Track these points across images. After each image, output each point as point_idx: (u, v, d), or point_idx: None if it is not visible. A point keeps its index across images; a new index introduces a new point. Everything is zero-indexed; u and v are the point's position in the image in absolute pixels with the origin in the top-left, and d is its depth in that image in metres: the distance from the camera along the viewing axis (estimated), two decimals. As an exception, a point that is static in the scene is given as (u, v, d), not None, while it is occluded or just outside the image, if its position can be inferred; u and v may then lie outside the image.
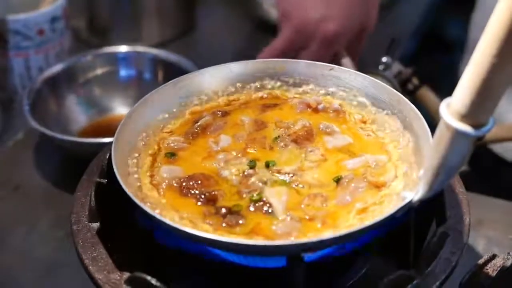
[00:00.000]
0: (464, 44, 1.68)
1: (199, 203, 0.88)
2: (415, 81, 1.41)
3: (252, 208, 0.87)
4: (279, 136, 0.98)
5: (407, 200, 0.81)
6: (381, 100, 1.01)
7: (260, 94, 1.07)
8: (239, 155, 0.95)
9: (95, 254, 0.86)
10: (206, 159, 0.95)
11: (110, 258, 0.86)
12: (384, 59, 1.38)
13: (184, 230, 0.80)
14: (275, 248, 0.80)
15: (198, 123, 1.01)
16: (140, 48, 1.49)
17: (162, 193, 0.90)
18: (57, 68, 1.43)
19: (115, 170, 0.86)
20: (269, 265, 0.87)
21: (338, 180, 0.90)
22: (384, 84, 1.01)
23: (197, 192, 0.89)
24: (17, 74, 1.47)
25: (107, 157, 0.95)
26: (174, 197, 0.89)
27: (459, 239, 0.86)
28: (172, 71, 1.37)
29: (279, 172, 0.92)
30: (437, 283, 0.81)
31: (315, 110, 1.04)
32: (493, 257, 0.87)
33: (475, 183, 1.11)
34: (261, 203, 0.87)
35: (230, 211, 0.86)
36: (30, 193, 1.30)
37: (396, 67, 1.39)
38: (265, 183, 0.90)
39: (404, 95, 0.98)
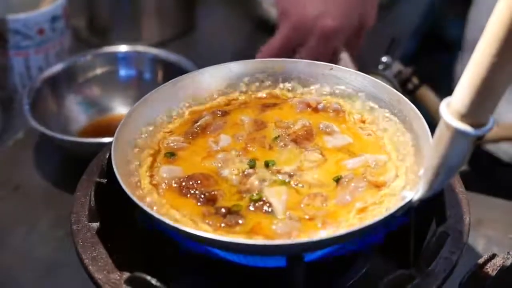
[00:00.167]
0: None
1: (199, 203, 0.88)
2: (415, 80, 1.41)
3: (251, 208, 0.87)
4: (278, 136, 0.98)
5: (407, 200, 0.81)
6: (381, 100, 1.01)
7: (260, 94, 1.07)
8: (239, 154, 0.95)
9: (95, 254, 0.86)
10: (206, 158, 0.95)
11: (110, 258, 0.86)
12: (384, 59, 1.38)
13: (184, 230, 0.80)
14: (275, 247, 0.80)
15: (198, 123, 1.01)
16: (140, 48, 1.49)
17: (161, 193, 0.90)
18: (57, 67, 1.43)
19: (115, 170, 0.86)
20: (269, 265, 0.87)
21: (338, 180, 0.90)
22: (384, 84, 1.01)
23: (196, 192, 0.89)
24: (17, 74, 1.47)
25: (107, 157, 0.95)
26: (174, 197, 0.89)
27: (459, 238, 0.86)
28: (172, 71, 1.37)
29: (278, 171, 0.92)
30: (437, 283, 0.81)
31: (315, 110, 1.04)
32: (493, 256, 0.87)
33: (475, 182, 1.11)
34: (261, 202, 0.87)
35: (229, 211, 0.86)
36: (30, 193, 1.30)
37: (396, 66, 1.40)
38: (264, 182, 0.90)
39: (404, 95, 0.98)
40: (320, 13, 1.32)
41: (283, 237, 0.82)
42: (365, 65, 1.38)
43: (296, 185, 0.90)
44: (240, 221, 0.85)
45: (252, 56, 1.13)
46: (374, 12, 1.41)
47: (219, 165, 0.94)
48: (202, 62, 1.21)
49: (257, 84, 1.08)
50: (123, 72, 1.48)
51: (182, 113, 1.04)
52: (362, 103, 1.03)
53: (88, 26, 1.72)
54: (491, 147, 1.53)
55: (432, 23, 2.03)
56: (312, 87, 1.06)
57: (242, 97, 1.07)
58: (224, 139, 0.98)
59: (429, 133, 0.88)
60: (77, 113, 1.43)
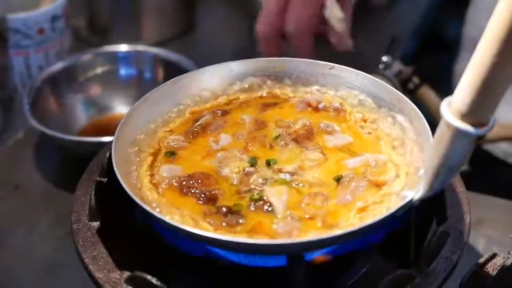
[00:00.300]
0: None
1: (199, 202, 0.88)
2: (415, 80, 1.41)
3: (252, 207, 0.87)
4: (279, 135, 0.98)
5: (407, 199, 0.81)
6: (381, 99, 1.01)
7: (260, 93, 1.07)
8: (239, 153, 0.95)
9: (95, 253, 0.86)
10: (206, 158, 0.95)
11: (110, 257, 0.85)
12: (384, 58, 1.38)
13: (184, 229, 0.80)
14: (276, 247, 0.80)
15: (198, 122, 1.01)
16: (140, 47, 1.50)
17: (162, 192, 0.90)
18: (57, 67, 1.43)
19: (115, 169, 0.86)
20: (270, 264, 0.87)
21: (338, 179, 0.90)
22: (385, 83, 1.01)
23: (197, 191, 0.89)
24: (17, 73, 1.47)
25: (107, 156, 0.95)
26: (174, 196, 0.89)
27: (460, 238, 0.86)
28: (173, 70, 1.37)
29: (280, 171, 0.92)
30: (438, 283, 0.81)
31: (316, 109, 1.04)
32: (494, 256, 0.87)
33: (476, 182, 1.11)
34: (261, 202, 0.87)
35: (230, 211, 0.86)
36: (30, 193, 1.30)
37: (397, 66, 1.40)
38: (265, 181, 0.90)
39: (404, 94, 0.98)
40: None
41: (284, 237, 0.82)
42: (365, 64, 1.38)
43: (297, 184, 0.90)
44: (241, 221, 0.85)
45: (252, 56, 1.12)
46: None
47: (219, 164, 0.94)
48: (202, 61, 1.21)
49: (258, 83, 1.08)
50: (123, 71, 1.48)
51: (182, 113, 1.04)
52: (363, 102, 1.03)
53: (88, 25, 1.72)
54: (491, 147, 1.53)
55: (432, 23, 2.03)
56: (312, 87, 1.06)
57: (243, 96, 1.07)
58: (224, 138, 0.98)
59: (430, 132, 0.88)
60: (77, 112, 1.43)
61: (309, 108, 1.04)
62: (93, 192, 0.93)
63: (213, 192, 0.88)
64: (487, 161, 1.52)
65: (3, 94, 1.49)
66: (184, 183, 0.90)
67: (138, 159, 0.95)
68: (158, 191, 0.90)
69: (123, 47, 1.49)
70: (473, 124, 0.69)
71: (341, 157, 0.95)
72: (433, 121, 0.86)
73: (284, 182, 0.90)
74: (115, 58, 1.48)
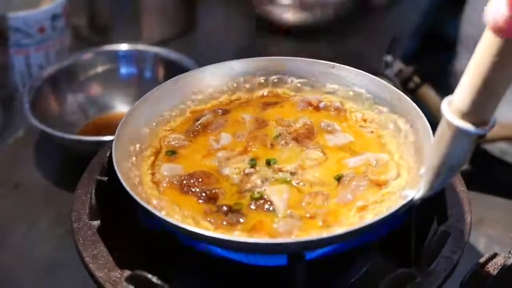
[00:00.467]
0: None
1: (200, 201, 0.88)
2: (416, 79, 1.41)
3: (253, 206, 0.87)
4: (280, 134, 0.98)
5: (408, 199, 0.81)
6: (382, 98, 1.01)
7: (261, 92, 1.07)
8: (240, 153, 0.95)
9: (95, 252, 0.86)
10: (207, 157, 0.95)
11: (110, 256, 0.86)
12: (385, 58, 1.38)
13: (185, 228, 0.80)
14: (276, 246, 0.79)
15: (199, 121, 1.01)
16: (140, 47, 1.50)
17: (162, 191, 0.89)
18: (57, 66, 1.43)
19: (115, 167, 0.86)
20: (270, 263, 0.87)
21: (339, 178, 0.90)
22: (385, 82, 1.01)
23: (197, 190, 0.89)
24: (17, 72, 1.47)
25: (108, 155, 0.95)
26: (175, 194, 0.89)
27: (460, 237, 0.86)
28: (173, 70, 1.37)
29: (280, 170, 0.92)
30: (438, 282, 0.81)
31: (316, 108, 1.04)
32: (494, 255, 0.87)
33: (476, 182, 1.11)
34: (262, 201, 0.87)
35: (231, 209, 0.86)
36: (30, 191, 1.30)
37: (397, 65, 1.40)
38: (266, 180, 0.90)
39: (405, 94, 0.98)
40: None
41: (284, 236, 0.82)
42: (366, 64, 1.38)
43: (298, 183, 0.90)
44: (241, 220, 0.85)
45: (252, 55, 1.13)
46: None
47: (220, 163, 0.94)
48: (203, 61, 1.21)
49: (259, 82, 1.07)
50: (123, 70, 1.48)
51: (183, 112, 1.04)
52: (364, 101, 1.03)
53: (89, 24, 1.72)
54: (491, 147, 1.53)
55: (433, 23, 2.03)
56: (313, 86, 1.06)
57: (244, 96, 1.07)
58: (225, 138, 0.98)
59: (431, 131, 0.88)
60: (77, 111, 1.43)
61: (309, 107, 1.04)
62: (93, 191, 0.93)
63: (214, 191, 0.88)
64: (484, 159, 1.52)
65: (4, 93, 1.49)
66: (184, 182, 0.90)
67: (139, 157, 0.94)
68: (159, 189, 0.90)
69: (124, 46, 1.49)
70: (473, 123, 0.69)
71: (342, 156, 0.95)
72: (434, 120, 0.86)
73: (284, 181, 0.90)
74: (116, 57, 1.48)
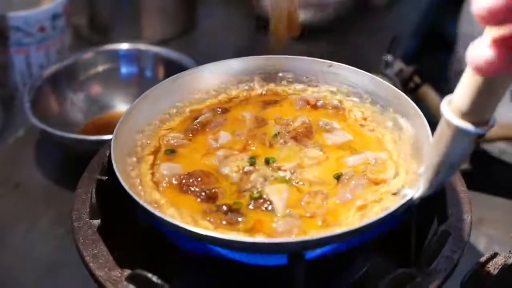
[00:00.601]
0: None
1: (199, 200, 0.88)
2: (416, 79, 1.41)
3: (252, 206, 0.87)
4: (278, 133, 0.98)
5: (407, 198, 0.81)
6: (380, 97, 1.01)
7: (259, 91, 1.07)
8: (239, 151, 0.95)
9: (96, 251, 0.86)
10: (206, 156, 0.95)
11: (111, 255, 0.86)
12: (385, 58, 1.38)
13: (184, 228, 0.80)
14: (276, 245, 0.80)
15: (198, 120, 1.01)
16: (141, 46, 1.50)
17: (162, 190, 0.89)
18: (58, 65, 1.43)
19: (114, 167, 0.86)
20: (270, 263, 0.87)
21: (338, 177, 0.90)
22: (384, 81, 1.02)
23: (197, 189, 0.89)
24: (17, 71, 1.47)
25: (108, 154, 0.95)
26: (174, 194, 0.89)
27: (461, 237, 0.86)
28: (173, 69, 1.36)
29: (279, 169, 0.92)
30: (438, 282, 0.81)
31: (314, 107, 1.04)
32: (494, 255, 0.87)
33: (476, 181, 1.11)
34: (261, 200, 0.87)
35: (230, 209, 0.86)
36: (30, 191, 1.30)
37: (398, 65, 1.40)
38: (265, 180, 0.90)
39: (405, 94, 0.98)
40: None
41: (284, 235, 0.82)
42: (366, 63, 1.38)
43: (297, 183, 0.90)
44: (241, 219, 0.85)
45: (252, 55, 1.13)
46: None
47: (219, 162, 0.94)
48: (203, 60, 1.20)
49: (257, 81, 1.08)
50: (124, 70, 1.48)
51: (182, 110, 1.04)
52: (362, 100, 1.03)
53: (89, 24, 1.72)
54: (490, 147, 1.53)
55: (433, 22, 2.03)
56: (311, 84, 1.07)
57: (243, 94, 1.07)
58: (224, 136, 0.98)
59: (429, 131, 0.88)
60: (78, 110, 1.43)
61: (308, 106, 1.04)
62: (93, 190, 0.93)
63: (213, 190, 0.88)
64: (483, 159, 1.52)
65: (4, 92, 1.49)
66: (184, 181, 0.90)
67: (138, 157, 0.94)
68: (159, 189, 0.90)
69: (124, 46, 1.49)
70: (473, 123, 0.69)
71: (341, 155, 0.95)
72: (434, 120, 0.86)
73: (284, 180, 0.90)
74: (116, 57, 1.48)
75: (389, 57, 1.37)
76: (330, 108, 1.03)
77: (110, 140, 0.93)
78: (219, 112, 1.03)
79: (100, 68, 1.47)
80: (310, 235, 0.82)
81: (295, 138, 0.97)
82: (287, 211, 0.86)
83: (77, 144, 1.28)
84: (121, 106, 1.45)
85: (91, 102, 1.45)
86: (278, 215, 0.86)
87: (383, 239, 0.90)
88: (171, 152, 0.96)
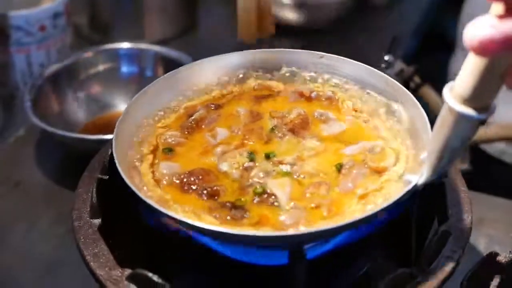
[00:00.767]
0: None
1: (199, 198, 0.87)
2: (417, 79, 1.41)
3: (256, 201, 0.87)
4: (275, 127, 0.99)
5: (412, 184, 0.81)
6: (373, 86, 1.01)
7: (252, 84, 1.07)
8: (237, 147, 0.95)
9: (96, 251, 0.86)
10: (204, 153, 0.95)
11: (111, 255, 0.86)
12: (386, 57, 1.38)
13: (190, 223, 0.79)
14: (283, 238, 0.80)
15: (193, 117, 1.01)
16: (141, 45, 1.50)
17: (163, 188, 0.89)
18: (58, 64, 1.43)
19: (118, 167, 0.86)
20: (271, 263, 0.87)
21: (339, 168, 0.91)
22: (376, 70, 1.02)
23: (198, 188, 0.89)
24: (18, 70, 1.47)
25: (109, 153, 0.95)
26: (176, 193, 0.89)
27: (461, 237, 0.86)
28: (173, 68, 1.36)
29: (280, 162, 0.92)
30: (439, 282, 0.81)
31: (308, 99, 1.04)
32: (494, 255, 0.87)
33: (477, 181, 1.11)
34: (265, 195, 0.87)
35: (234, 206, 0.86)
36: (30, 190, 1.30)
37: (398, 65, 1.40)
38: (267, 174, 0.90)
39: None
40: None
41: (291, 227, 0.82)
42: (367, 63, 1.38)
43: (298, 176, 0.90)
44: (246, 215, 0.85)
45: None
46: None
47: (218, 159, 0.93)
48: (204, 59, 1.21)
49: (249, 75, 1.08)
50: (124, 69, 1.48)
51: (176, 108, 1.03)
52: (355, 89, 1.03)
53: (90, 23, 1.72)
54: (490, 147, 1.53)
55: (433, 22, 2.03)
56: (304, 76, 1.07)
57: (236, 89, 1.07)
58: (221, 133, 0.98)
59: (426, 117, 0.90)
60: (78, 110, 1.43)
61: (301, 98, 1.04)
62: (94, 189, 0.93)
63: (215, 188, 0.88)
64: (482, 160, 1.52)
65: (5, 91, 1.49)
66: (185, 180, 0.90)
67: (139, 155, 0.94)
68: (160, 187, 0.89)
69: (125, 45, 1.49)
70: (475, 109, 0.70)
71: (338, 145, 0.95)
72: (435, 119, 0.86)
73: (285, 174, 0.91)
74: (117, 56, 1.48)
75: (389, 57, 1.37)
76: (324, 99, 1.04)
77: (110, 139, 0.93)
78: (212, 108, 1.03)
79: (101, 68, 1.47)
80: (317, 226, 0.82)
81: (292, 131, 0.98)
82: (292, 203, 0.86)
83: (78, 144, 1.28)
84: (121, 106, 1.45)
85: (91, 101, 1.45)
86: (283, 208, 0.86)
87: (383, 240, 0.90)
88: (169, 150, 0.96)
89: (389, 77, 1.00)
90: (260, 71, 1.08)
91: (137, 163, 0.93)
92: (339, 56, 1.05)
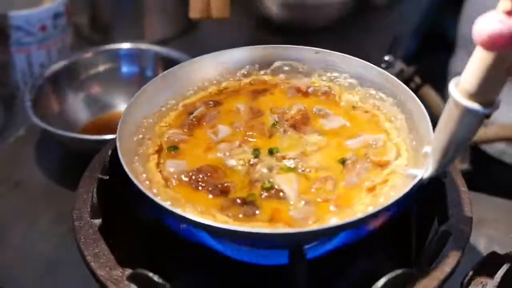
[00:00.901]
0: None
1: (211, 195, 0.87)
2: (417, 80, 1.41)
3: (264, 196, 0.87)
4: (277, 122, 0.99)
5: (418, 179, 0.82)
6: (369, 80, 1.02)
7: (248, 80, 1.07)
8: (240, 144, 0.95)
9: (97, 251, 0.86)
10: (209, 150, 0.95)
11: (112, 255, 0.86)
12: (386, 58, 1.38)
13: (205, 223, 0.79)
14: (304, 234, 0.80)
15: (194, 114, 1.01)
16: (142, 46, 1.50)
17: (173, 188, 0.89)
18: (59, 64, 1.43)
19: (125, 169, 0.85)
20: (271, 263, 0.87)
21: (343, 162, 0.91)
22: (372, 65, 1.02)
23: (208, 185, 0.88)
24: (19, 70, 1.47)
25: (109, 153, 0.95)
26: (187, 191, 0.88)
27: (461, 237, 0.86)
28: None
29: (283, 158, 0.93)
30: (439, 282, 0.81)
31: (305, 94, 1.05)
32: (493, 255, 0.87)
33: (477, 182, 1.11)
34: (274, 191, 0.87)
35: (245, 202, 0.86)
36: (30, 190, 1.30)
37: (399, 65, 1.40)
38: (272, 170, 0.90)
39: None
40: None
41: (302, 223, 0.83)
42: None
43: (303, 170, 0.91)
44: (257, 212, 0.85)
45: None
46: None
47: (225, 155, 0.93)
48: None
49: (245, 71, 1.08)
50: (125, 69, 1.48)
51: (175, 106, 1.03)
52: (351, 84, 1.03)
53: (90, 23, 1.72)
54: (490, 147, 1.53)
55: (433, 22, 2.03)
56: (300, 71, 1.07)
57: (232, 85, 1.06)
58: (223, 130, 0.98)
59: (425, 111, 0.91)
60: (78, 110, 1.43)
61: (299, 93, 1.05)
62: (95, 189, 0.93)
63: (225, 185, 0.88)
64: (483, 160, 1.52)
65: (5, 91, 1.49)
66: (193, 177, 0.89)
67: (142, 156, 0.94)
68: (169, 187, 0.89)
69: (125, 45, 1.49)
70: (480, 104, 0.72)
71: (340, 139, 0.96)
72: (435, 120, 0.86)
73: (290, 169, 0.91)
74: (117, 56, 1.48)
75: (389, 58, 1.37)
76: (321, 94, 1.04)
77: (111, 139, 0.93)
78: (211, 105, 1.03)
79: (101, 68, 1.47)
80: (327, 220, 0.82)
81: (293, 126, 0.98)
82: (300, 198, 0.86)
83: (78, 144, 1.28)
84: (122, 106, 1.45)
85: (92, 101, 1.45)
86: (292, 203, 0.86)
87: (383, 240, 0.90)
88: (174, 148, 0.96)
89: (385, 72, 1.00)
90: (254, 66, 1.08)
91: (142, 164, 0.92)
92: (335, 52, 1.05)
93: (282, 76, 1.08)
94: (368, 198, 0.85)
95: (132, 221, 0.91)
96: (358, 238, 0.86)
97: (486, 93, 0.71)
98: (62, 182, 1.30)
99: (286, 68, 1.08)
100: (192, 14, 1.20)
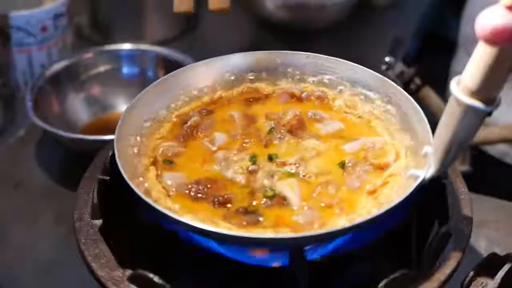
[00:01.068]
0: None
1: (211, 206, 0.87)
2: (417, 81, 1.41)
3: (267, 204, 0.87)
4: (273, 128, 0.98)
5: (420, 178, 0.82)
6: (363, 83, 1.01)
7: (240, 88, 1.07)
8: (238, 151, 0.95)
9: (97, 251, 0.86)
10: (206, 161, 0.95)
11: (112, 255, 0.86)
12: (387, 59, 1.38)
13: (208, 230, 0.79)
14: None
15: (188, 124, 1.00)
16: (142, 46, 1.49)
17: (173, 198, 0.88)
18: (59, 65, 1.43)
19: (127, 180, 0.85)
20: (272, 264, 0.87)
21: (343, 166, 0.91)
22: (363, 67, 1.02)
23: (208, 196, 0.88)
24: (19, 71, 1.47)
25: (110, 154, 0.95)
26: (187, 202, 0.88)
27: (461, 239, 0.86)
28: (175, 69, 1.36)
29: (284, 164, 0.92)
30: (439, 283, 0.81)
31: (299, 99, 1.04)
32: (493, 256, 0.87)
33: (476, 183, 1.11)
34: (276, 198, 0.87)
35: (247, 211, 0.86)
36: (31, 190, 1.30)
37: (399, 67, 1.40)
38: (273, 176, 0.90)
39: None
40: None
41: (307, 227, 0.83)
42: (367, 65, 1.38)
43: (304, 176, 0.91)
44: (260, 219, 0.85)
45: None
46: None
47: (222, 166, 0.93)
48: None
49: (236, 79, 1.07)
50: (125, 70, 1.48)
51: (169, 116, 1.02)
52: (344, 87, 1.03)
53: (91, 23, 1.72)
54: (491, 149, 1.53)
55: (434, 24, 2.03)
56: (291, 77, 1.07)
57: (225, 94, 1.06)
58: (219, 138, 0.98)
59: (421, 111, 0.91)
60: (79, 110, 1.43)
61: (292, 99, 1.04)
62: (95, 190, 0.93)
63: (226, 197, 0.88)
64: (484, 161, 1.52)
65: (6, 91, 1.49)
66: (193, 189, 0.89)
67: (141, 167, 0.93)
68: (170, 197, 0.88)
69: (126, 46, 1.48)
70: (482, 101, 0.72)
71: (337, 143, 0.96)
72: (436, 121, 0.86)
73: (291, 175, 0.91)
74: (118, 57, 1.48)
75: (390, 59, 1.37)
76: (314, 99, 1.04)
77: (111, 140, 0.93)
78: (204, 114, 1.02)
79: (102, 68, 1.47)
80: (331, 224, 0.82)
81: (290, 132, 0.98)
82: (303, 203, 0.86)
83: (79, 144, 1.28)
84: (122, 106, 1.45)
85: (92, 102, 1.45)
86: (295, 208, 0.86)
87: (383, 241, 0.90)
88: (169, 162, 0.94)
89: (378, 74, 1.00)
90: (245, 74, 1.07)
91: (141, 174, 0.91)
92: (325, 56, 1.05)
93: (274, 82, 1.07)
94: (369, 201, 0.85)
95: (133, 222, 0.90)
96: (364, 243, 0.87)
97: (488, 90, 0.72)
98: (62, 183, 1.30)
99: (278, 73, 1.07)
100: (177, 9, 1.18)
